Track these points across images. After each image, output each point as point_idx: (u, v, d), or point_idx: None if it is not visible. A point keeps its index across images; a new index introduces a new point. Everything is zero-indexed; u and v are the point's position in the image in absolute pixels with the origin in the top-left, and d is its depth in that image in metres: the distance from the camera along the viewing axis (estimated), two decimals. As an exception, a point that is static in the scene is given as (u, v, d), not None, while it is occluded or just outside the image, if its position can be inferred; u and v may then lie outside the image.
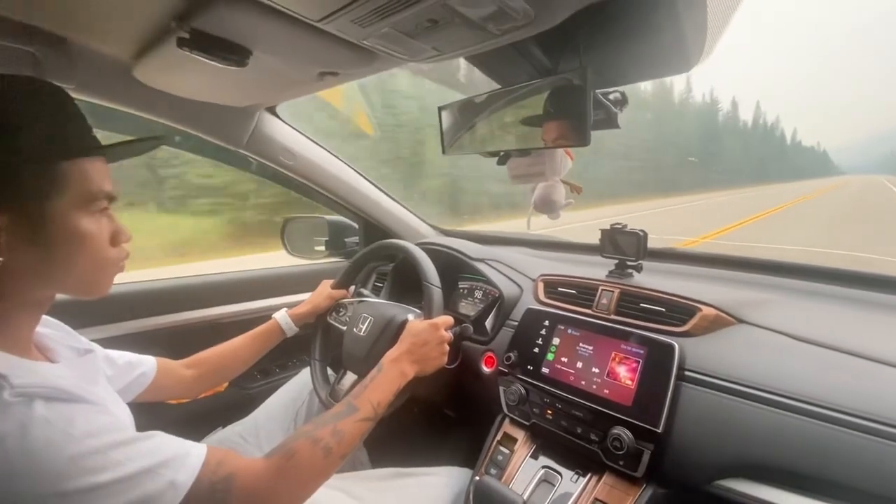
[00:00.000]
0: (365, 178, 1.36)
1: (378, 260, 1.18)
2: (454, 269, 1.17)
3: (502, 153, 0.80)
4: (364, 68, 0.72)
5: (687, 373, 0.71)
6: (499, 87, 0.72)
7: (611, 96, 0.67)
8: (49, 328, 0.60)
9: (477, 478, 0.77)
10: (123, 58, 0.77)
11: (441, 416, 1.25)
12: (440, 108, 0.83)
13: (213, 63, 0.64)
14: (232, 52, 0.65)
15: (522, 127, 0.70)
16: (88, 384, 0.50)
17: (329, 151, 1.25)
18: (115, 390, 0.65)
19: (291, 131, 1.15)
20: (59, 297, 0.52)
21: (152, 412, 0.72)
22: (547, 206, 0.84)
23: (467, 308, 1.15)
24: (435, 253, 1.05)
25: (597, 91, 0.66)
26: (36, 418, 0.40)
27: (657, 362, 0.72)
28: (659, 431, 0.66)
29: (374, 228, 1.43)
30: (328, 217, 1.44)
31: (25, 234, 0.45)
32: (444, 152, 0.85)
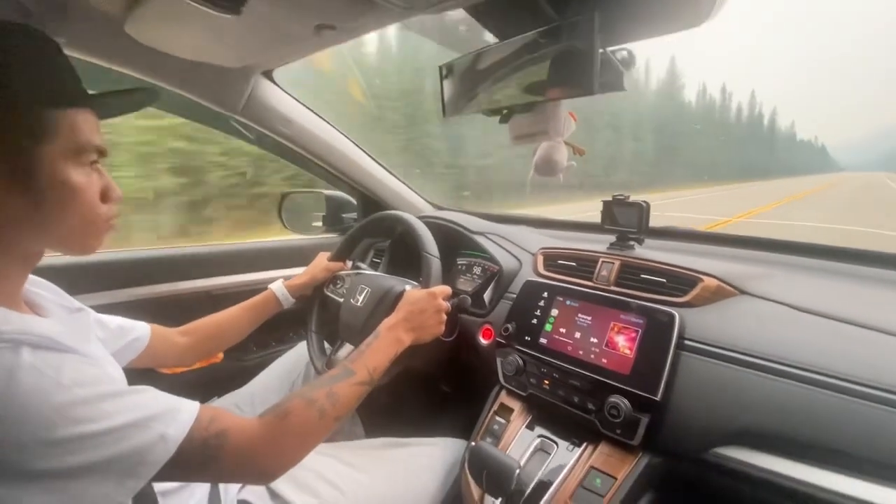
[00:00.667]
0: (363, 150, 1.33)
1: (376, 233, 1.17)
2: (453, 243, 1.15)
3: (505, 111, 0.77)
4: (362, 20, 0.69)
5: (687, 342, 0.70)
6: (498, 41, 0.69)
7: (618, 55, 0.65)
8: (40, 288, 0.59)
9: (472, 443, 0.76)
10: (115, 10, 0.74)
11: (437, 391, 1.25)
12: (441, 67, 0.80)
13: (205, 10, 0.61)
14: (225, -3, 0.62)
15: (526, 80, 0.67)
16: (80, 341, 0.49)
17: (327, 122, 1.23)
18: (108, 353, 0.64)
19: (288, 98, 1.12)
20: (52, 262, 0.51)
21: (147, 380, 0.71)
22: (549, 167, 0.82)
23: (465, 284, 1.13)
24: (434, 226, 1.03)
25: (604, 49, 0.63)
26: (23, 364, 0.39)
27: (657, 331, 0.71)
28: (657, 399, 0.66)
29: (372, 204, 1.41)
30: (326, 192, 1.42)
31: (14, 184, 0.44)
32: (444, 114, 0.83)
